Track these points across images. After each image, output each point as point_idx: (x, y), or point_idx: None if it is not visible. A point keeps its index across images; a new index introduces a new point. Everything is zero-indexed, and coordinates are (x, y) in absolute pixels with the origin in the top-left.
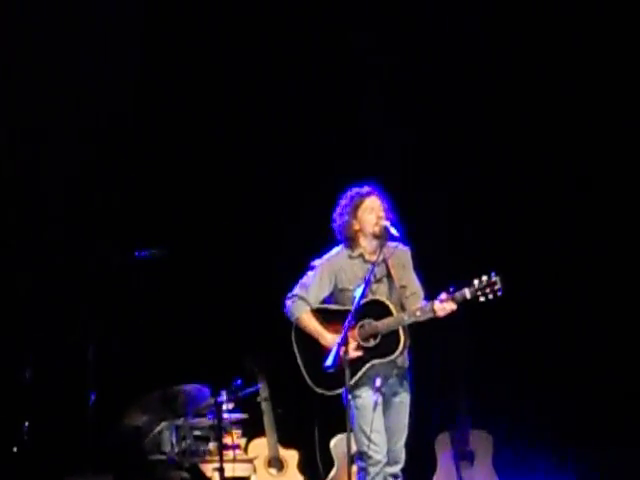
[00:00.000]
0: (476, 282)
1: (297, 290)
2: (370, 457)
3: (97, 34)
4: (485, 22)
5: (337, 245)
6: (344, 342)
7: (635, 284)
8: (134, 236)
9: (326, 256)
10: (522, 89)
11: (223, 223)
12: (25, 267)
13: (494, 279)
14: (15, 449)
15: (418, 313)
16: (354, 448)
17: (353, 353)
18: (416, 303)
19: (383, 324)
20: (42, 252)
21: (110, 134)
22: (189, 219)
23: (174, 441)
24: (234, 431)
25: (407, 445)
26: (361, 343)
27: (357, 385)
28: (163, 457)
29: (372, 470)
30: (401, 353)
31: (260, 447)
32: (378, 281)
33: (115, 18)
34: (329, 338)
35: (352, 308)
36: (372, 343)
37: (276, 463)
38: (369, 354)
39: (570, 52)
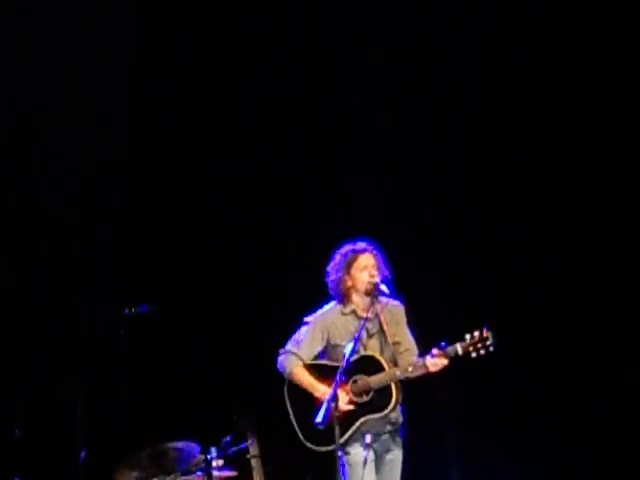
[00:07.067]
0: (468, 337)
1: (289, 346)
2: None
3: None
4: (473, 75)
5: (330, 301)
6: (334, 398)
7: (620, 343)
8: (123, 293)
9: (319, 312)
10: (512, 143)
11: (213, 280)
12: (14, 323)
13: (486, 334)
14: None
15: (410, 369)
16: None
17: (344, 407)
18: (409, 359)
19: (375, 380)
20: (30, 309)
21: (99, 190)
22: (178, 277)
23: None
24: None
25: None
26: (353, 399)
27: (349, 441)
28: None
29: None
30: (393, 409)
31: None
32: (371, 337)
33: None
34: (322, 390)
35: (342, 364)
36: (364, 399)
37: None
38: (361, 410)
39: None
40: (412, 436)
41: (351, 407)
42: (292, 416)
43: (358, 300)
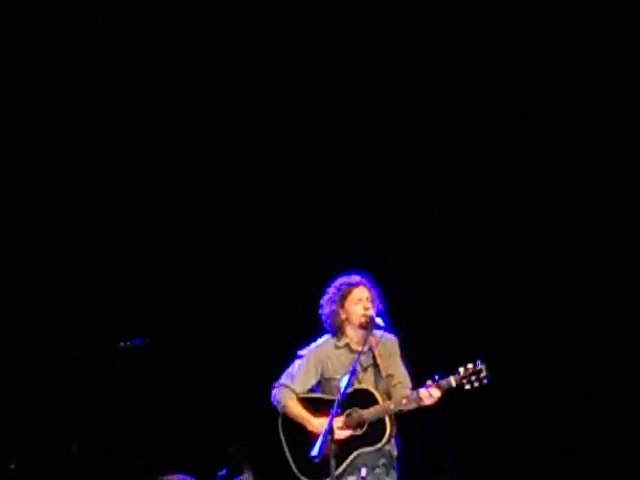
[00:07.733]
0: (462, 370)
1: (283, 379)
2: None
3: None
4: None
5: (324, 334)
6: (330, 431)
7: (615, 368)
8: (117, 326)
9: (312, 345)
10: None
11: (208, 313)
12: (8, 359)
13: (480, 367)
14: None
15: (404, 401)
16: None
17: (340, 433)
18: (403, 392)
19: (369, 413)
20: (25, 343)
21: (93, 223)
22: (173, 309)
23: None
24: None
25: None
26: (348, 432)
27: (343, 474)
28: None
29: None
30: (387, 442)
31: None
32: (365, 370)
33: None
34: (316, 423)
35: (337, 397)
36: (359, 432)
37: None
38: (356, 443)
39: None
40: (407, 469)
41: (347, 433)
42: (286, 449)
43: (352, 333)
